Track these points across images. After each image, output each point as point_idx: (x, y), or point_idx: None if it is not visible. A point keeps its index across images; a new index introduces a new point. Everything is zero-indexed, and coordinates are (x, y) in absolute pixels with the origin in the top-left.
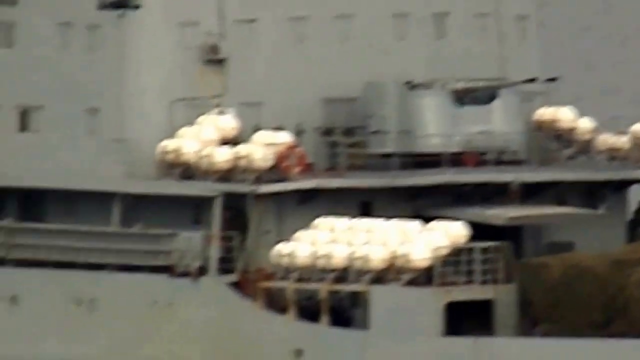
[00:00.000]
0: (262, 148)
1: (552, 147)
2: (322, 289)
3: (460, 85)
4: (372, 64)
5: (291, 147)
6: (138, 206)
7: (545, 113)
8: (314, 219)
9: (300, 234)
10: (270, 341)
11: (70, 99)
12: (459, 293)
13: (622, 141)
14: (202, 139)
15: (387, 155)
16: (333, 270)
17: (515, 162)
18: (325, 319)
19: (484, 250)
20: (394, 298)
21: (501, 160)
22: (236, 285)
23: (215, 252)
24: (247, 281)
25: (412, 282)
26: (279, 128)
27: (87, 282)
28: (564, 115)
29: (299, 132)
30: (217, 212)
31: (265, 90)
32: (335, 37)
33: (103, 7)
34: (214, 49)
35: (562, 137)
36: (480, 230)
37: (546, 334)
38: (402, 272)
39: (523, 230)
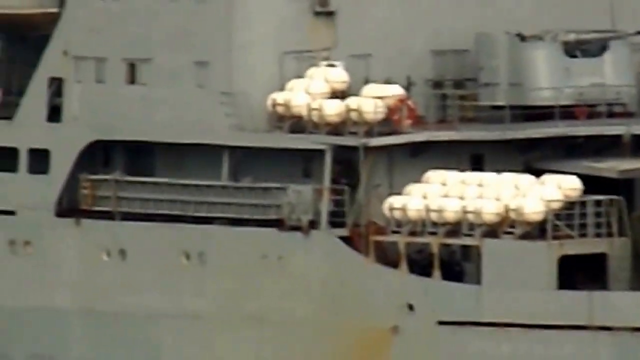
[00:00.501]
0: (372, 101)
1: None
2: (434, 242)
3: (572, 37)
4: (482, 15)
5: (402, 100)
6: (247, 159)
7: None
8: (425, 172)
9: (411, 188)
10: (382, 295)
11: (178, 51)
12: (572, 247)
13: None
14: (312, 92)
15: (498, 108)
16: (445, 224)
17: (627, 115)
18: (437, 273)
19: (597, 204)
20: (506, 252)
21: (612, 113)
22: (347, 239)
23: (325, 206)
24: (357, 235)
25: (525, 236)
26: (388, 80)
27: (196, 236)
28: None
29: (409, 85)
30: (327, 165)
31: (374, 42)
32: None
33: None
34: (323, 1)
35: None
36: (591, 184)
37: None
38: (515, 225)
39: (635, 183)
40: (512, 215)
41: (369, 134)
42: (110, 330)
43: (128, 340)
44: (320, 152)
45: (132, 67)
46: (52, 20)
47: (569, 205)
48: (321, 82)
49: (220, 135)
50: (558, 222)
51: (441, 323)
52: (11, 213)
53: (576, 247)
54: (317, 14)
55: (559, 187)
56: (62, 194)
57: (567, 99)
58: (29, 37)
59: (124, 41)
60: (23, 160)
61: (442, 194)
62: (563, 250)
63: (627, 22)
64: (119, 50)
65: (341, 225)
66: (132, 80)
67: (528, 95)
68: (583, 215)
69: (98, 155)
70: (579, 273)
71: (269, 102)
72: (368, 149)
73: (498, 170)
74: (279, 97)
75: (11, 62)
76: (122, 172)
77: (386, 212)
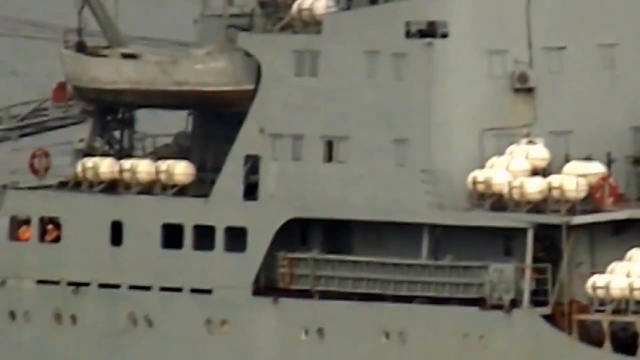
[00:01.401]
0: (575, 179)
1: None
2: (638, 321)
3: None
4: None
5: (604, 178)
6: (447, 237)
7: None
8: (628, 250)
9: (614, 266)
10: None
11: (376, 129)
12: None
13: None
14: (512, 170)
15: None
16: None
17: None
18: None
19: None
20: None
21: None
22: (549, 318)
23: (527, 284)
24: (560, 313)
25: None
26: (588, 157)
27: (396, 314)
28: None
29: (609, 162)
30: (529, 244)
31: (574, 118)
32: None
33: (410, 35)
34: (523, 77)
35: None
36: None
37: None
38: None
39: None
40: None
41: (571, 212)
42: None
43: None
44: (521, 231)
45: (329, 144)
46: (247, 97)
47: None
48: (522, 160)
49: (420, 213)
50: None
51: None
52: (208, 292)
53: None
54: (517, 90)
55: None
56: (259, 272)
57: None
58: (223, 113)
59: (322, 119)
60: (219, 238)
61: None
62: None
63: None
64: (316, 128)
65: (543, 303)
66: (329, 158)
67: None
68: None
69: (295, 233)
70: None
71: (469, 180)
72: (570, 227)
73: None
74: (480, 174)
75: (205, 139)
76: (319, 250)
77: (589, 290)
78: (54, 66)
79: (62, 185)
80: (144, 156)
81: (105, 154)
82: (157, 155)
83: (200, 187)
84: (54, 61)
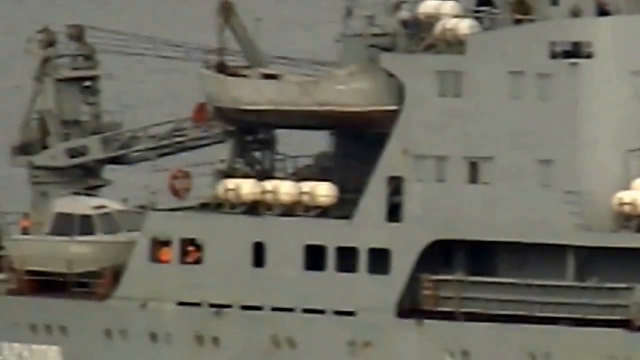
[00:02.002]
0: None
1: None
2: None
3: None
4: None
5: None
6: (593, 259)
7: None
8: None
9: None
10: None
11: (521, 149)
12: None
13: None
14: None
15: None
16: None
17: None
18: None
19: None
20: None
21: None
22: None
23: None
24: None
25: None
26: None
27: (541, 336)
28: None
29: None
30: None
31: None
32: None
33: (555, 55)
34: None
35: None
36: None
37: None
38: None
39: None
40: None
41: None
42: None
43: None
44: None
45: (473, 165)
46: (389, 117)
47: None
48: None
49: (565, 235)
50: None
51: None
52: (351, 314)
53: None
54: None
55: None
56: (403, 294)
57: None
58: (364, 134)
59: (465, 140)
60: (363, 260)
61: None
62: None
63: None
64: (460, 149)
65: None
66: (473, 179)
67: None
68: None
69: (438, 254)
70: None
71: (615, 201)
72: None
73: None
74: (625, 196)
75: (347, 160)
76: (463, 271)
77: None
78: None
79: (203, 206)
80: (285, 177)
81: (246, 175)
82: (299, 176)
83: (343, 208)
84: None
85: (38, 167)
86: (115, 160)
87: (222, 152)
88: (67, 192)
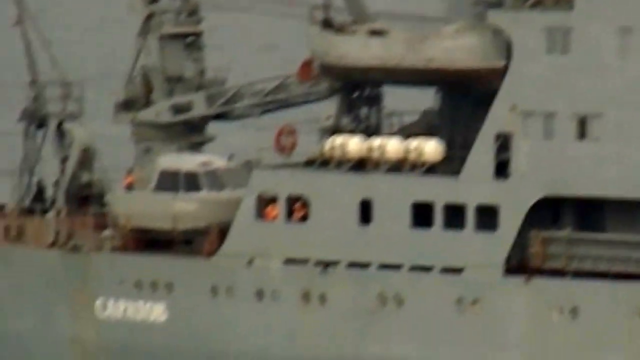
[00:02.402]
0: None
1: None
2: None
3: None
4: None
5: None
6: None
7: None
8: None
9: None
10: None
11: (630, 105)
12: None
13: None
14: None
15: None
16: None
17: None
18: None
19: None
20: None
21: None
22: None
23: None
24: None
25: None
26: None
27: None
28: None
29: None
30: None
31: None
32: None
33: None
34: None
35: None
36: None
37: None
38: None
39: None
40: None
41: None
42: None
43: None
44: None
45: (582, 122)
46: (497, 74)
47: None
48: None
49: None
50: None
51: None
52: (459, 271)
53: None
54: None
55: None
56: (510, 251)
57: None
58: (470, 91)
59: (574, 96)
60: (470, 217)
61: None
62: None
63: None
64: (568, 105)
65: None
66: (582, 135)
67: None
68: None
69: (546, 211)
70: None
71: None
72: None
73: None
74: None
75: (453, 116)
76: (571, 228)
77: None
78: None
79: (309, 163)
80: (392, 134)
81: (352, 132)
82: (406, 133)
83: (449, 165)
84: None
85: (142, 124)
86: (219, 116)
87: (328, 109)
88: (171, 148)
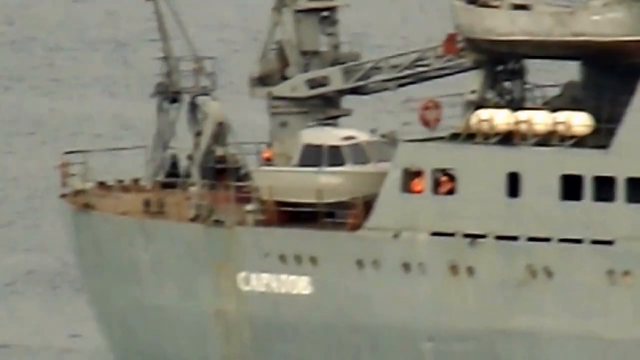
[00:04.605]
0: None
1: None
2: None
3: None
4: None
5: None
6: None
7: None
8: None
9: None
10: None
11: None
12: None
13: None
14: None
15: None
16: None
17: None
18: None
19: None
20: None
21: None
22: None
23: None
24: None
25: None
26: None
27: None
28: None
29: None
30: None
31: None
32: None
33: None
34: None
35: None
36: None
37: None
38: None
39: None
40: None
41: None
42: None
43: None
44: None
45: None
46: None
47: None
48: None
49: None
50: None
51: None
52: (609, 243)
53: None
54: None
55: None
56: None
57: None
58: (616, 64)
59: None
60: (621, 189)
61: None
62: None
63: None
64: None
65: None
66: None
67: None
68: None
69: None
70: None
71: None
72: None
73: None
74: None
75: (598, 90)
76: None
77: None
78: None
79: (454, 136)
80: (537, 107)
81: (497, 106)
82: (551, 106)
83: (597, 138)
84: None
85: (278, 98)
86: (354, 91)
87: (472, 82)
88: (307, 122)
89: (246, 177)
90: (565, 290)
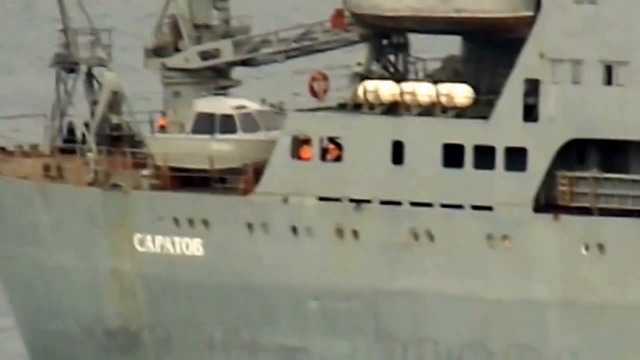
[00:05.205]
0: None
1: None
2: None
3: None
4: None
5: None
6: None
7: None
8: None
9: None
10: None
11: None
12: None
13: None
14: None
15: None
16: None
17: None
18: None
19: None
20: None
21: None
22: None
23: None
24: None
25: None
26: None
27: None
28: None
29: None
30: None
31: None
32: None
33: None
34: None
35: None
36: None
37: None
38: None
39: None
40: None
41: None
42: (590, 322)
43: (608, 332)
44: None
45: (608, 69)
46: (525, 23)
47: None
48: None
49: None
50: None
51: None
52: (489, 208)
53: None
54: None
55: None
56: (539, 190)
57: None
58: (495, 38)
59: (601, 44)
60: (500, 158)
61: None
62: None
63: None
64: (595, 53)
65: None
66: (608, 81)
67: None
68: None
69: (572, 153)
70: None
71: None
72: None
73: None
74: None
75: (478, 63)
76: (597, 169)
77: None
78: None
79: (341, 106)
80: (419, 80)
81: (382, 77)
82: (434, 78)
83: (477, 109)
84: None
85: (171, 69)
86: (245, 63)
87: (358, 55)
88: (200, 92)
89: (140, 144)
90: (447, 253)
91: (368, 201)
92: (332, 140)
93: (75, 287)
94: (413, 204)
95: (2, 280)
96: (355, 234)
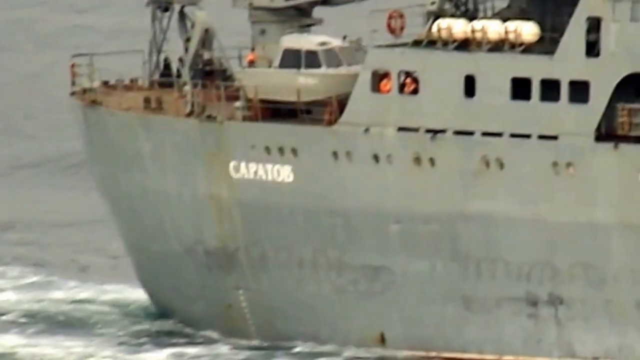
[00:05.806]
0: None
1: None
2: None
3: None
4: None
5: None
6: None
7: None
8: None
9: None
10: None
11: None
12: None
13: None
14: None
15: None
16: None
17: None
18: None
19: None
20: None
21: None
22: None
23: None
24: None
25: None
26: None
27: None
28: None
29: None
30: None
31: None
32: None
33: None
34: None
35: None
36: None
37: None
38: None
39: None
40: None
41: None
42: None
43: None
44: None
45: None
46: None
47: None
48: None
49: None
50: None
51: None
52: (554, 138)
53: None
54: None
55: None
56: (601, 121)
57: None
58: None
59: None
60: (564, 90)
61: None
62: None
63: None
64: None
65: None
66: None
67: None
68: None
69: (631, 86)
70: None
71: None
72: None
73: None
74: None
75: (544, 2)
76: None
77: None
78: None
79: (417, 43)
80: (489, 17)
81: (454, 16)
82: (502, 16)
83: (543, 45)
84: None
85: (258, 8)
86: (325, 2)
87: None
88: (284, 30)
89: (231, 78)
90: (515, 179)
91: (443, 131)
92: (408, 74)
93: (178, 210)
94: (484, 133)
95: (110, 204)
96: (431, 161)
